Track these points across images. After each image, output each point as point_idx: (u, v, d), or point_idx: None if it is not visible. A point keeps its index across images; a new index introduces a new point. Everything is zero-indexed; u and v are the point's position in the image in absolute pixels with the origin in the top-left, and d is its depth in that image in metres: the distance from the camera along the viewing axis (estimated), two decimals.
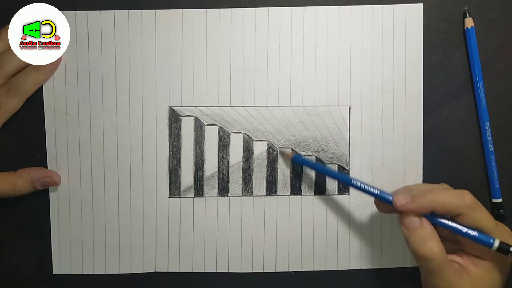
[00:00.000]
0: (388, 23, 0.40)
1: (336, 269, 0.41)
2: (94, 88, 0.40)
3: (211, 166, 0.40)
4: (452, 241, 0.35)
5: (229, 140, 0.40)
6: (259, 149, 0.41)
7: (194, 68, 0.40)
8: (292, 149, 0.41)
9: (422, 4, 0.40)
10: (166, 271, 0.41)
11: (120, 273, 0.41)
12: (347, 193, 0.41)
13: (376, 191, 0.34)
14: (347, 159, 0.41)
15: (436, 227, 0.33)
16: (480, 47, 0.40)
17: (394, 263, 0.41)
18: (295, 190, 0.41)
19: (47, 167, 0.40)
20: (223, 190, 0.40)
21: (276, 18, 0.40)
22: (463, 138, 0.41)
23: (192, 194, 0.40)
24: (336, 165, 0.41)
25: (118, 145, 0.40)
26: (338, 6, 0.40)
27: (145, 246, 0.40)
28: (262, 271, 0.41)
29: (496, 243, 0.32)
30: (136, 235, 0.40)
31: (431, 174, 0.41)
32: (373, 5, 0.40)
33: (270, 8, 0.40)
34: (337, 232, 0.41)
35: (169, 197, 0.40)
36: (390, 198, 0.34)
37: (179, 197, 0.40)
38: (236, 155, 0.40)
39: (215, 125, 0.40)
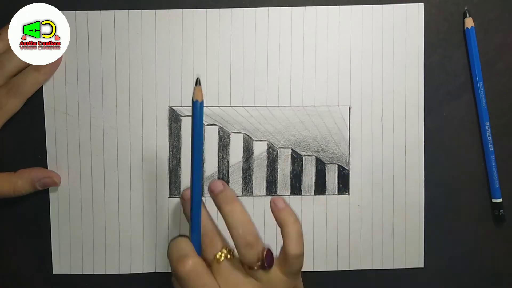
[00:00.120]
0: (388, 23, 0.40)
1: (336, 269, 0.41)
2: (94, 88, 0.40)
3: (211, 166, 0.40)
4: None
5: (229, 140, 0.40)
6: (259, 149, 0.40)
7: (194, 68, 0.40)
8: (292, 149, 0.41)
9: (422, 4, 0.40)
10: (166, 271, 0.41)
11: (120, 273, 0.41)
12: (347, 193, 0.41)
13: None
14: (347, 159, 0.41)
15: None
16: (480, 47, 0.40)
17: (394, 263, 0.41)
18: (295, 190, 0.41)
19: (47, 167, 0.40)
20: None
21: (276, 18, 0.40)
22: (463, 138, 0.41)
23: None
24: (336, 165, 0.41)
25: (118, 145, 0.40)
26: (338, 6, 0.40)
27: (145, 246, 0.40)
28: None
29: None
30: (136, 235, 0.40)
31: (431, 174, 0.41)
32: (373, 5, 0.40)
33: (270, 8, 0.40)
34: (337, 232, 0.41)
35: (169, 197, 0.40)
36: None
37: (179, 197, 0.40)
38: (236, 155, 0.40)
39: (215, 125, 0.40)
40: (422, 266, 0.41)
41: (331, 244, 0.41)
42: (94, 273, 0.41)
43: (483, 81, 0.40)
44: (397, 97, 0.40)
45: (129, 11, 0.39)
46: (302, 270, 0.33)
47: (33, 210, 0.40)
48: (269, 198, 0.40)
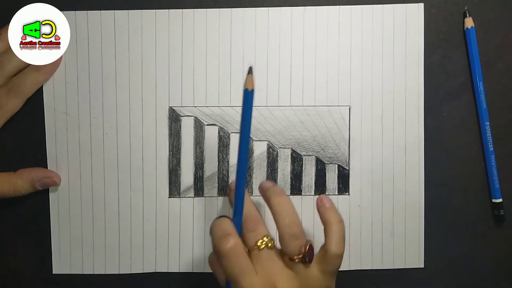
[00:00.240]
0: (388, 23, 0.40)
1: None
2: (94, 88, 0.40)
3: (211, 166, 0.40)
4: None
5: (229, 140, 0.40)
6: (259, 149, 0.40)
7: (194, 68, 0.40)
8: (292, 149, 0.41)
9: (422, 4, 0.40)
10: (166, 271, 0.41)
11: (120, 273, 0.41)
12: (347, 193, 0.41)
13: None
14: (347, 159, 0.41)
15: None
16: (480, 47, 0.40)
17: (394, 263, 0.41)
18: (295, 190, 0.41)
19: (47, 167, 0.40)
20: (223, 190, 0.40)
21: (276, 18, 0.40)
22: (463, 138, 0.41)
23: (192, 194, 0.40)
24: (336, 165, 0.41)
25: (118, 145, 0.40)
26: (338, 6, 0.40)
27: (145, 246, 0.40)
28: None
29: None
30: (136, 235, 0.40)
31: (431, 174, 0.41)
32: (373, 5, 0.40)
33: (270, 8, 0.40)
34: None
35: (169, 197, 0.40)
36: None
37: (179, 197, 0.40)
38: (236, 155, 0.40)
39: (215, 125, 0.40)
40: (422, 266, 0.41)
41: None
42: (94, 273, 0.41)
43: (483, 81, 0.40)
44: (397, 97, 0.40)
45: (129, 11, 0.39)
46: None
47: (33, 210, 0.40)
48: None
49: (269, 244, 0.33)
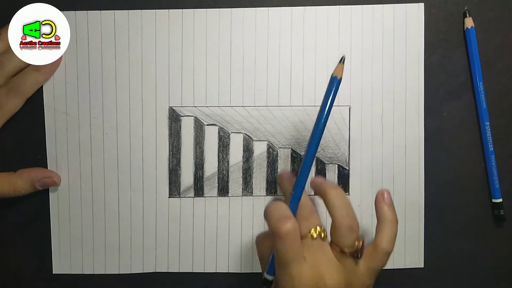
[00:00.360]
0: (388, 23, 0.40)
1: None
2: (94, 88, 0.40)
3: (211, 166, 0.40)
4: None
5: (229, 140, 0.40)
6: (259, 149, 0.40)
7: (194, 68, 0.40)
8: (292, 149, 0.41)
9: (422, 4, 0.40)
10: (166, 271, 0.41)
11: (120, 273, 0.41)
12: (347, 193, 0.41)
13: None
14: (347, 159, 0.41)
15: None
16: (480, 47, 0.40)
17: (394, 263, 0.41)
18: None
19: (47, 167, 0.40)
20: (223, 190, 0.40)
21: (276, 18, 0.40)
22: (463, 138, 0.41)
23: (192, 194, 0.40)
24: (336, 165, 0.41)
25: (118, 145, 0.40)
26: (338, 6, 0.40)
27: (145, 246, 0.40)
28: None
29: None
30: (136, 235, 0.40)
31: (431, 174, 0.41)
32: (373, 5, 0.40)
33: (270, 8, 0.40)
34: None
35: (169, 197, 0.40)
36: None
37: (179, 197, 0.40)
38: (236, 155, 0.40)
39: (215, 125, 0.40)
40: (422, 266, 0.41)
41: None
42: (94, 273, 0.41)
43: (483, 81, 0.40)
44: (397, 97, 0.40)
45: (129, 11, 0.39)
46: None
47: (33, 210, 0.40)
48: (269, 198, 0.40)
49: (322, 235, 0.33)
